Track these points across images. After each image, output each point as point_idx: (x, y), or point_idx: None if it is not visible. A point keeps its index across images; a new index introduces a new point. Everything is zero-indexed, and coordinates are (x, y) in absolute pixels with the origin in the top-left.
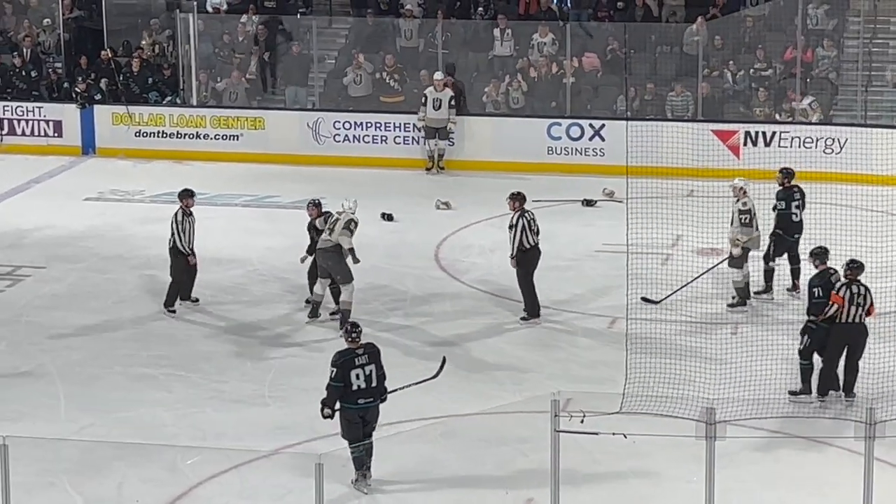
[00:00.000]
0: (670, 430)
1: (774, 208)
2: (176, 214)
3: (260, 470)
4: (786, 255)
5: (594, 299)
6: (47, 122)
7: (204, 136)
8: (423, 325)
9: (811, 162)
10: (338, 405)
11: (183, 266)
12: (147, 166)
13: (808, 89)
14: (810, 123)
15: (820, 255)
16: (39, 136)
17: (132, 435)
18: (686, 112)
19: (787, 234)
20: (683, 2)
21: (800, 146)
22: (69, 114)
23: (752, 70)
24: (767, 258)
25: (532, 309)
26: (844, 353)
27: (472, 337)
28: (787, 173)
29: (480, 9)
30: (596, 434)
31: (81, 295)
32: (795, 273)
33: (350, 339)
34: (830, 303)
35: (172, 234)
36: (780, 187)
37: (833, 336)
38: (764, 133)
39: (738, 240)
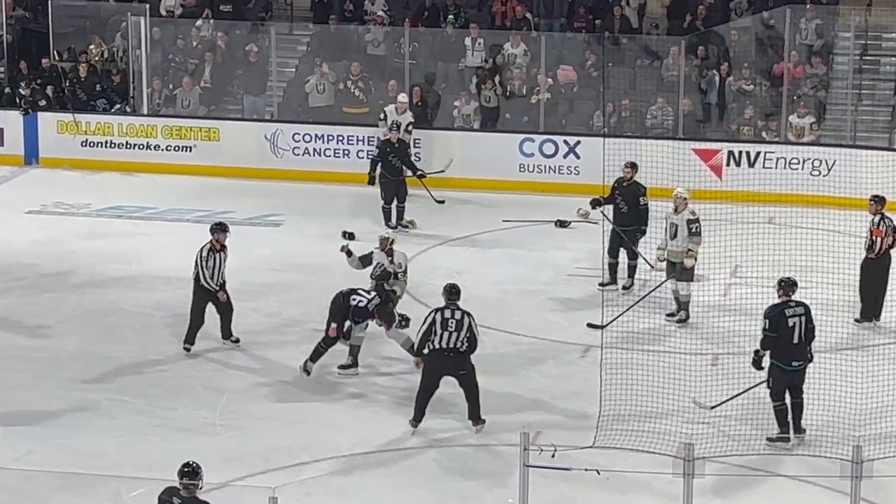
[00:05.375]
0: (646, 466)
1: (638, 204)
2: (201, 250)
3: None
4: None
5: (567, 326)
6: None
7: (155, 147)
8: (385, 351)
9: (798, 184)
10: None
11: (202, 303)
12: (94, 178)
13: (796, 107)
14: (796, 143)
15: (786, 286)
16: None
17: (73, 464)
18: (665, 125)
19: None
20: (665, 13)
21: (785, 167)
22: (11, 121)
23: (732, 84)
24: (615, 253)
25: None
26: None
27: None
28: (633, 166)
29: (451, 17)
30: (567, 469)
31: (21, 314)
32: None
33: None
34: (873, 237)
35: (197, 269)
36: (633, 181)
37: (878, 268)
38: (748, 153)
39: (691, 251)
